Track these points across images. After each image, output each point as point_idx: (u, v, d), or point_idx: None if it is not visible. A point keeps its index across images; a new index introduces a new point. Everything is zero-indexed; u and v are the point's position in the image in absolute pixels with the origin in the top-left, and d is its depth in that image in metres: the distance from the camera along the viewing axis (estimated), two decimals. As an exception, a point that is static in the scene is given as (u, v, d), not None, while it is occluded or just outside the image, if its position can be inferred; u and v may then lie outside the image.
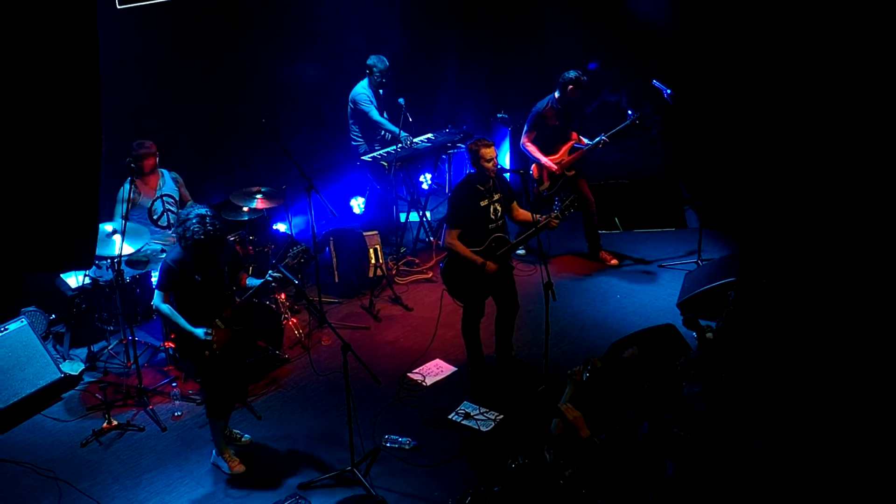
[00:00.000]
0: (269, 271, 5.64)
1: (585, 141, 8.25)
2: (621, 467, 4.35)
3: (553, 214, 6.21)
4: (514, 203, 6.51)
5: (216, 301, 5.54)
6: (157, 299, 5.53)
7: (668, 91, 8.11)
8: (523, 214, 6.50)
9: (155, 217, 6.95)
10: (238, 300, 5.64)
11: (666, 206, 9.57)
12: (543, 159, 8.18)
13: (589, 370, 5.00)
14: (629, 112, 8.11)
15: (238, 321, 5.63)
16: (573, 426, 4.47)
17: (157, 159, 7.03)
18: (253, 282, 5.76)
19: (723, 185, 8.76)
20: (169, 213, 7.00)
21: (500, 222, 6.33)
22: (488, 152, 6.17)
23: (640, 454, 4.36)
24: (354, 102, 8.55)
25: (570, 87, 7.97)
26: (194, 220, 5.29)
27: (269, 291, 6.96)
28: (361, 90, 8.52)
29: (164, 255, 6.71)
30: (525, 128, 8.30)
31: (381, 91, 8.58)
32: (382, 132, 8.69)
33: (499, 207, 6.32)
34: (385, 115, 8.61)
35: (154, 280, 6.86)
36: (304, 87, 9.20)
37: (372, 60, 8.46)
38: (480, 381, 6.65)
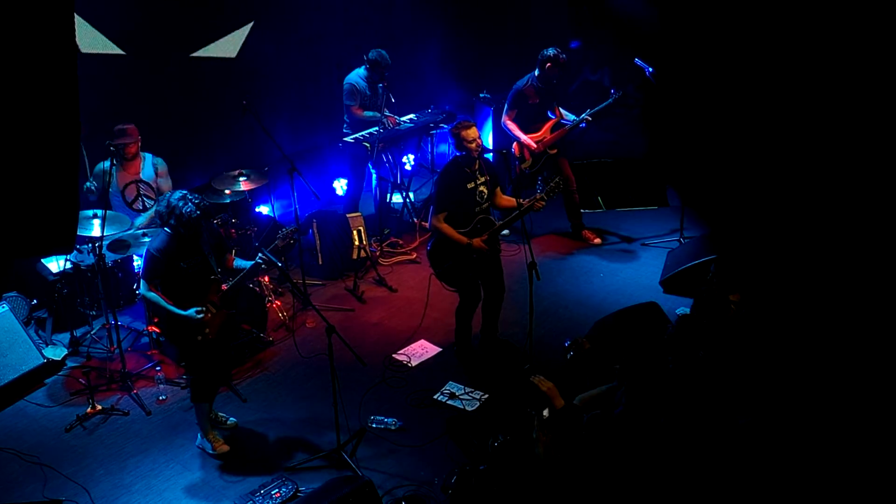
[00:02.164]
0: (259, 253, 5.63)
1: (569, 116, 8.25)
2: (600, 443, 4.40)
3: (538, 196, 6.21)
4: (499, 188, 6.51)
5: (204, 286, 5.52)
6: (143, 289, 5.49)
7: (650, 69, 8.12)
8: (506, 201, 6.50)
9: (129, 200, 6.90)
10: (226, 284, 5.63)
11: (648, 185, 9.61)
12: (523, 137, 8.19)
13: (573, 350, 5.06)
14: (612, 91, 8.11)
15: (229, 304, 5.63)
16: (547, 397, 4.52)
17: (139, 144, 6.99)
18: (241, 263, 5.75)
19: (702, 165, 8.79)
20: (144, 197, 6.95)
21: (485, 205, 6.35)
22: (470, 133, 6.17)
23: (618, 430, 4.43)
24: (344, 92, 8.46)
25: (549, 64, 8.00)
26: (180, 204, 5.27)
27: (257, 273, 6.95)
28: (352, 79, 8.37)
29: (146, 239, 6.68)
30: (505, 106, 8.30)
31: (380, 86, 8.45)
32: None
33: (485, 190, 6.32)
34: (381, 99, 8.50)
35: (136, 264, 6.84)
36: (285, 69, 9.14)
37: (373, 55, 8.27)
38: (466, 361, 6.68)
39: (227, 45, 8.58)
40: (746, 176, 8.48)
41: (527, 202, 6.19)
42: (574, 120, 8.17)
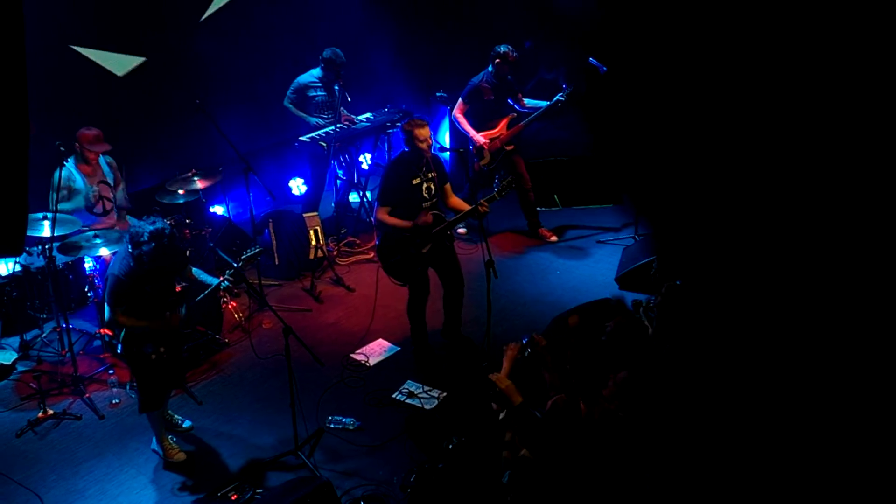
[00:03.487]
0: (227, 273, 5.53)
1: (539, 104, 8.27)
2: (562, 434, 4.45)
3: (482, 199, 6.23)
4: (448, 186, 6.51)
5: (163, 306, 5.42)
6: (111, 315, 5.27)
7: (604, 69, 8.21)
8: (455, 201, 6.52)
9: (91, 204, 6.79)
10: (184, 305, 5.53)
11: (604, 183, 9.71)
12: (472, 133, 8.23)
13: (530, 348, 5.10)
14: (563, 86, 8.17)
15: (187, 325, 5.55)
16: (505, 395, 4.57)
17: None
18: (202, 275, 5.64)
19: (645, 164, 8.91)
20: (105, 200, 6.85)
21: (433, 201, 6.36)
22: (422, 132, 6.17)
23: (581, 425, 4.48)
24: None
25: (498, 60, 8.08)
26: (152, 244, 5.05)
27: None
28: (301, 78, 8.39)
29: (97, 241, 6.55)
30: (459, 100, 8.31)
31: (335, 86, 8.40)
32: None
33: (432, 186, 6.35)
34: (337, 102, 8.47)
35: (87, 266, 6.73)
36: (238, 67, 9.05)
37: (328, 54, 8.25)
38: (424, 360, 6.69)
39: (181, 42, 8.48)
40: (687, 173, 8.62)
41: (476, 205, 6.22)
42: (546, 105, 8.18)
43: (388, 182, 6.31)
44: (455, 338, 6.89)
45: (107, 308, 5.31)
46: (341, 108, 8.46)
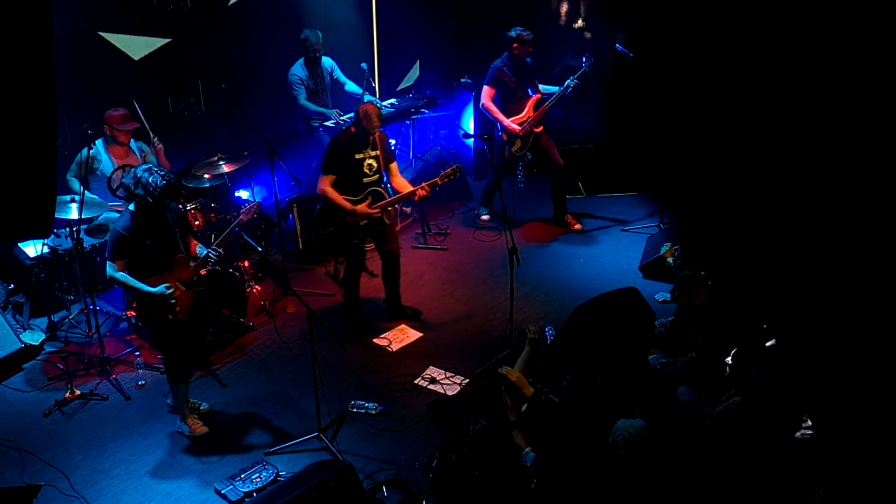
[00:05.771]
0: (211, 247, 5.55)
1: (551, 89, 8.19)
2: (582, 411, 4.45)
3: (424, 183, 6.40)
4: (394, 165, 6.64)
5: (170, 264, 5.47)
6: (110, 269, 5.34)
7: (631, 55, 8.13)
8: (400, 181, 6.63)
9: (114, 186, 6.84)
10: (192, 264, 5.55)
11: (629, 171, 9.64)
12: (505, 121, 8.15)
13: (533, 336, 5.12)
14: (584, 58, 8.05)
15: (199, 283, 5.57)
16: (516, 387, 4.58)
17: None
18: (202, 250, 5.68)
19: (672, 154, 8.84)
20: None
21: (375, 177, 6.51)
22: (374, 123, 6.29)
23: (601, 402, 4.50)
24: (288, 85, 8.39)
25: (515, 44, 8.00)
26: (146, 175, 5.17)
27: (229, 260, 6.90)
28: (295, 71, 8.32)
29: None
30: (484, 86, 8.23)
31: (318, 68, 8.39)
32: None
33: (374, 164, 6.48)
34: (326, 87, 8.46)
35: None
36: (264, 53, 9.05)
37: (305, 34, 8.20)
38: (354, 324, 6.94)
39: (207, 27, 8.49)
40: (713, 163, 8.53)
41: (424, 186, 6.41)
42: (559, 89, 8.09)
43: (330, 153, 6.46)
44: (399, 311, 7.03)
45: (108, 264, 5.35)
46: (365, 93, 8.44)
